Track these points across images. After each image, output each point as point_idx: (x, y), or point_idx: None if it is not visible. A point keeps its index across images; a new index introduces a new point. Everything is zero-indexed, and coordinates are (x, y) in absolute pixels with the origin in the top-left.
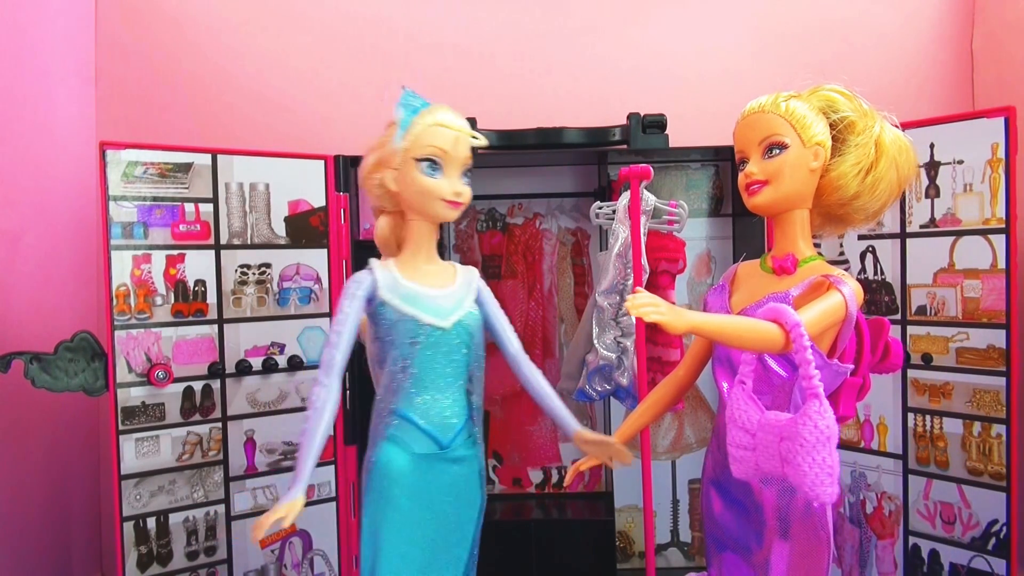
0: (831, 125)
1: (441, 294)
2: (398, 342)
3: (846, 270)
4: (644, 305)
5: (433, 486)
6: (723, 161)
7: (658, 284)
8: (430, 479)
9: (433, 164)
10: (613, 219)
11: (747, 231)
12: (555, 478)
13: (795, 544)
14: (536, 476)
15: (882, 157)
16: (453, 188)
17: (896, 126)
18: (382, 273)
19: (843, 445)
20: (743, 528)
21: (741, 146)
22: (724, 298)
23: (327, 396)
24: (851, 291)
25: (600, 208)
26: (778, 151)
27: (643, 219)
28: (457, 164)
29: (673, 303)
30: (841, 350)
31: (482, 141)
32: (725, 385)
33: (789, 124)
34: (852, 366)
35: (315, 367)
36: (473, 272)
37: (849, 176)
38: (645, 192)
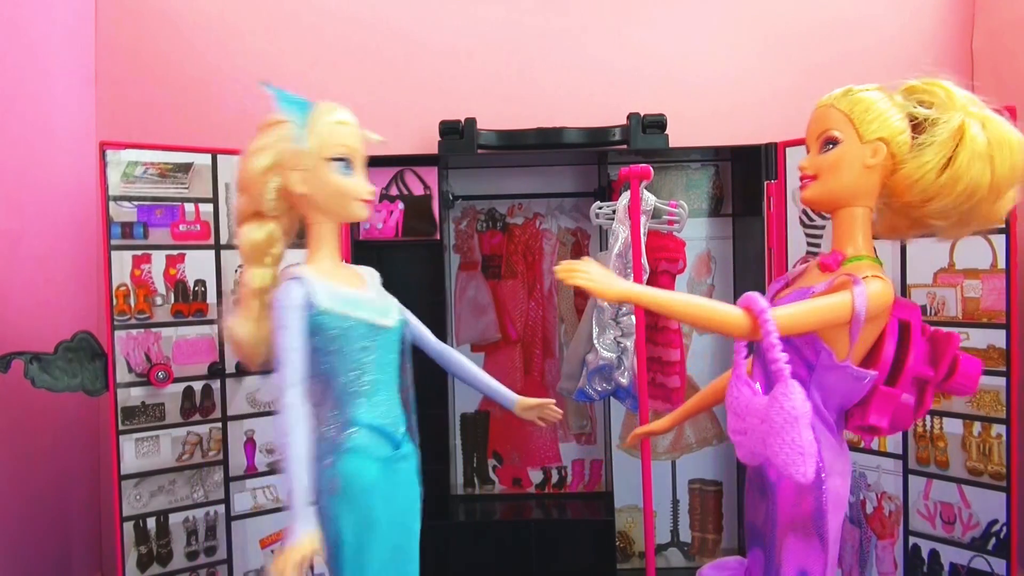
0: (916, 120)
1: (369, 295)
2: (347, 349)
3: None
4: (571, 270)
5: (397, 487)
6: (723, 161)
7: (658, 284)
8: (394, 481)
9: (347, 164)
10: (613, 219)
11: (747, 231)
12: (555, 478)
13: (797, 536)
14: (536, 476)
15: (961, 151)
16: (367, 187)
17: (1003, 117)
18: (313, 281)
19: None
20: (761, 518)
21: (807, 140)
22: (775, 288)
23: (300, 416)
24: (863, 291)
25: (600, 208)
26: (831, 146)
27: (643, 219)
28: (362, 162)
29: None
30: (866, 354)
31: (377, 137)
32: (758, 385)
33: (847, 119)
34: (874, 372)
35: None
36: (371, 269)
37: (916, 175)
38: (645, 192)
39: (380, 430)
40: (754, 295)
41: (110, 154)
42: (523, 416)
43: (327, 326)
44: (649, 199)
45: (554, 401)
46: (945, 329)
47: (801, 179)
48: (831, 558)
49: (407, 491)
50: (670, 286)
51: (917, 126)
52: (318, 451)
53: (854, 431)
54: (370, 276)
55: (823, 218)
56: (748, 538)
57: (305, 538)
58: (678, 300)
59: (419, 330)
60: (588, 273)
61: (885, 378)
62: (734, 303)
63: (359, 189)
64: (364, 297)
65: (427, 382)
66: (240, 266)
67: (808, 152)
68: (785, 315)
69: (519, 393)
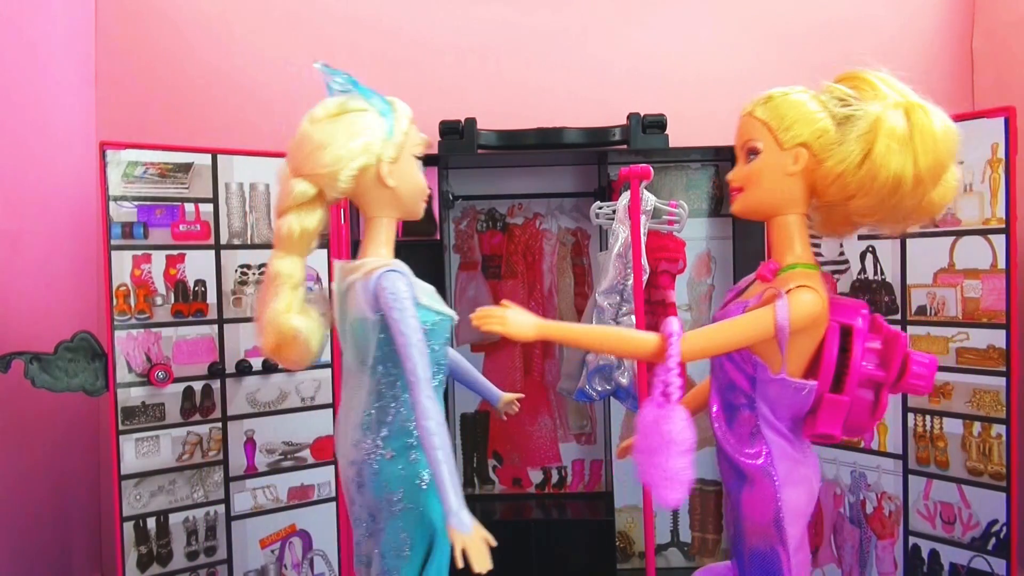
0: (841, 118)
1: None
2: (434, 343)
3: (845, 271)
4: (485, 316)
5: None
6: (723, 161)
7: (658, 284)
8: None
9: (421, 162)
10: (613, 219)
11: (747, 231)
12: (555, 478)
13: (760, 544)
14: (536, 476)
15: (878, 144)
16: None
17: (932, 106)
18: (410, 274)
19: (843, 445)
20: (729, 524)
21: (735, 150)
22: (729, 295)
23: (440, 409)
24: (784, 304)
25: (600, 208)
26: (753, 156)
27: (643, 219)
28: None
29: (672, 303)
30: (809, 363)
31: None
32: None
33: (766, 128)
34: (813, 383)
35: (316, 367)
36: None
37: (835, 172)
38: (645, 192)
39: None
40: (671, 319)
41: (110, 154)
42: (501, 409)
43: (423, 320)
44: (649, 199)
45: (523, 396)
46: (896, 328)
47: (730, 191)
48: (796, 566)
49: None
50: (670, 286)
51: (842, 125)
52: (400, 445)
53: (810, 439)
54: None
55: None
56: (730, 545)
57: (475, 526)
58: (591, 332)
59: None
60: (503, 318)
61: (830, 385)
62: None
63: (426, 188)
64: (433, 292)
65: None
66: (242, 266)
67: (736, 162)
68: (699, 337)
69: (517, 393)
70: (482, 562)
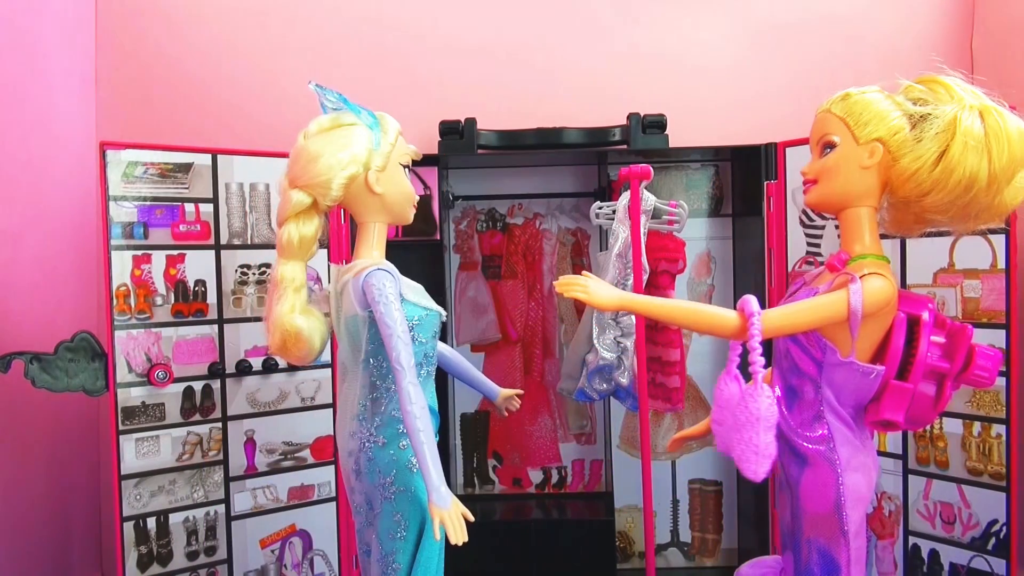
0: (916, 118)
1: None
2: (422, 339)
3: None
4: (569, 284)
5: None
6: (723, 161)
7: (658, 284)
8: None
9: (408, 170)
10: (613, 219)
11: (747, 231)
12: (555, 478)
13: (821, 531)
14: (536, 476)
15: (955, 143)
16: (415, 193)
17: (1005, 110)
18: (397, 273)
19: None
20: (788, 515)
21: (810, 146)
22: (794, 287)
23: (423, 395)
24: (858, 288)
25: (600, 208)
26: (829, 150)
27: (643, 219)
28: None
29: None
30: (875, 351)
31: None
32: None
33: (843, 122)
34: (881, 368)
35: (316, 367)
36: None
37: (911, 169)
38: (645, 192)
39: (434, 412)
40: (750, 298)
41: (110, 154)
42: (500, 405)
43: (409, 315)
44: (649, 199)
45: (523, 392)
46: (960, 322)
47: (804, 183)
48: (855, 552)
49: None
50: (670, 286)
51: (917, 124)
52: (391, 432)
53: (871, 427)
54: None
55: (823, 218)
56: (782, 538)
57: (453, 502)
58: (673, 306)
59: None
60: (585, 286)
61: (895, 373)
62: (734, 303)
63: (414, 194)
64: (423, 290)
65: None
66: (243, 266)
67: (812, 156)
68: (777, 315)
69: (517, 392)
70: (458, 534)
